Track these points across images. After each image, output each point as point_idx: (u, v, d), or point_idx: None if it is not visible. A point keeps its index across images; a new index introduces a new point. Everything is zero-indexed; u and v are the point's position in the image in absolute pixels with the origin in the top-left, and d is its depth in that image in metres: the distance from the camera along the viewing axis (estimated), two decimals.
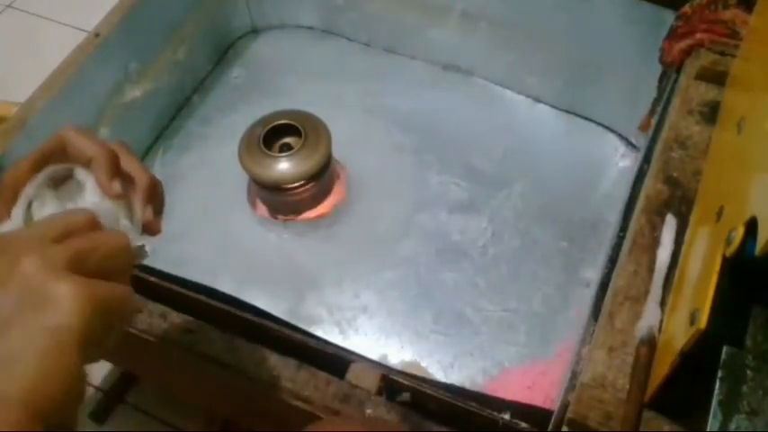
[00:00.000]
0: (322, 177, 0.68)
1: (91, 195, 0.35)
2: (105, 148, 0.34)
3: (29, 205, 0.34)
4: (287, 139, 0.69)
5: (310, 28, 0.89)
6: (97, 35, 0.65)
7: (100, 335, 0.27)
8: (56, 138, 0.35)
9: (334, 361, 0.46)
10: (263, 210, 0.72)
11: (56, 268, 0.27)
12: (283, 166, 0.66)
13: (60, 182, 0.35)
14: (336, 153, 0.70)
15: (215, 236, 0.70)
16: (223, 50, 0.86)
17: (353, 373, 0.45)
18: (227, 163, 0.70)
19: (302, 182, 0.67)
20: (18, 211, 0.34)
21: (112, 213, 0.35)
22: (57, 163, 0.35)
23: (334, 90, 0.81)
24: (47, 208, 0.34)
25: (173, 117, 0.80)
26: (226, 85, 0.84)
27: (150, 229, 0.37)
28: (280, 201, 0.70)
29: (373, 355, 0.61)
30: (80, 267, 0.28)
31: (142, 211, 0.36)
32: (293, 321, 0.49)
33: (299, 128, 0.67)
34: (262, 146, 0.67)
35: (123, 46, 0.68)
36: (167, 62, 0.76)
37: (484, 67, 0.81)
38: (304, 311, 0.65)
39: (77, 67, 0.63)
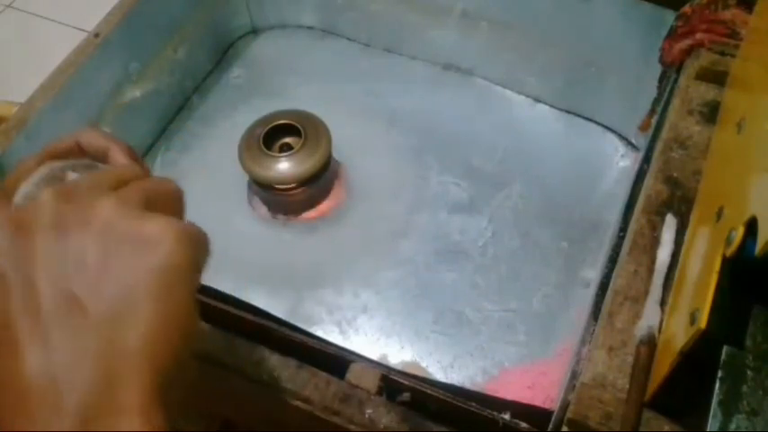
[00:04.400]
0: (322, 177, 0.68)
1: None
2: (121, 141, 0.34)
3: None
4: (287, 139, 0.69)
5: (310, 28, 0.89)
6: (97, 35, 0.65)
7: (200, 273, 0.26)
8: (70, 136, 0.34)
9: (334, 361, 0.46)
10: (263, 210, 0.72)
11: (135, 208, 0.25)
12: (283, 166, 0.66)
13: (56, 181, 0.35)
14: (336, 153, 0.70)
15: (215, 236, 0.69)
16: (223, 50, 0.86)
17: (353, 373, 0.45)
18: (227, 163, 0.70)
19: (302, 182, 0.67)
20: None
21: None
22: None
23: (334, 90, 0.81)
24: None
25: (173, 117, 0.80)
26: (226, 85, 0.84)
27: None
28: (280, 201, 0.70)
29: (373, 355, 0.61)
30: (152, 209, 0.26)
31: None
32: (293, 321, 0.49)
33: (299, 128, 0.67)
34: (262, 146, 0.67)
35: (123, 46, 0.68)
36: (167, 62, 0.76)
37: (484, 67, 0.81)
38: (304, 311, 0.65)
39: (77, 67, 0.63)
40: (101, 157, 0.34)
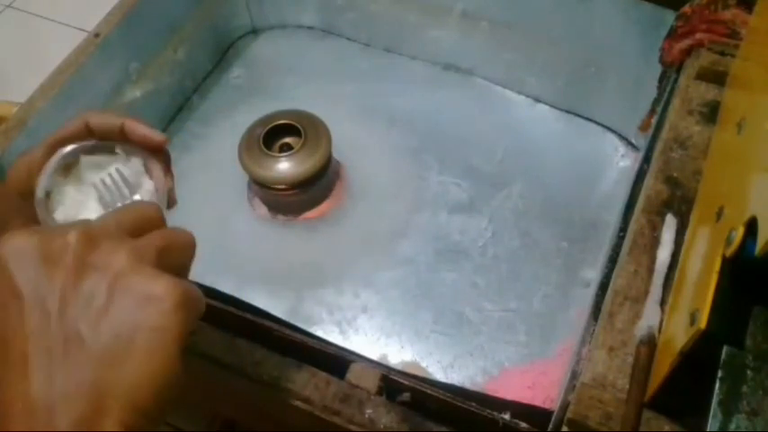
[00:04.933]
0: (322, 177, 0.68)
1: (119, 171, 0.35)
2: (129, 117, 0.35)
3: (47, 195, 0.34)
4: (287, 139, 0.69)
5: (310, 28, 0.89)
6: (97, 35, 0.65)
7: (190, 334, 0.28)
8: (78, 120, 0.35)
9: (334, 361, 0.46)
10: (263, 210, 0.72)
11: (148, 264, 0.27)
12: (283, 166, 0.66)
13: (69, 166, 0.35)
14: (336, 153, 0.70)
15: (215, 236, 0.70)
16: (223, 50, 0.86)
17: (353, 373, 0.45)
18: (227, 163, 0.70)
19: (302, 182, 0.67)
20: (41, 206, 0.34)
21: (148, 191, 0.35)
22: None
23: (334, 90, 0.81)
24: (66, 196, 0.34)
25: (173, 117, 0.80)
26: (226, 85, 0.84)
27: (171, 198, 0.37)
28: (280, 201, 0.70)
29: (373, 355, 0.61)
30: (164, 264, 0.28)
31: (165, 181, 0.36)
32: (293, 321, 0.49)
33: (299, 128, 0.67)
34: (262, 146, 0.67)
35: (123, 46, 0.68)
36: (167, 62, 0.76)
37: (484, 67, 0.81)
38: (304, 311, 0.65)
39: (77, 67, 0.63)
40: (113, 135, 0.35)
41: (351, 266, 0.68)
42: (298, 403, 0.44)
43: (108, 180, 0.35)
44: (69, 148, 0.35)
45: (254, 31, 0.89)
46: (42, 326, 0.26)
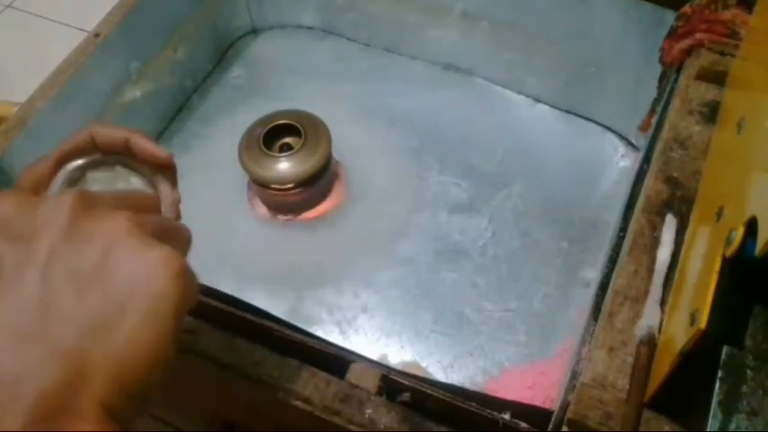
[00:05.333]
0: (322, 177, 0.68)
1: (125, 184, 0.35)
2: (135, 130, 0.34)
3: None
4: (287, 139, 0.69)
5: (310, 28, 0.89)
6: (97, 35, 0.65)
7: (185, 315, 0.26)
8: (83, 133, 0.34)
9: (334, 361, 0.46)
10: (263, 210, 0.72)
11: (145, 233, 0.25)
12: (283, 166, 0.66)
13: (74, 183, 0.35)
14: (336, 153, 0.70)
15: (215, 236, 0.70)
16: (223, 50, 0.86)
17: (353, 373, 0.45)
18: (227, 163, 0.70)
19: (302, 182, 0.67)
20: None
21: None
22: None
23: (334, 90, 0.81)
24: None
25: (173, 117, 0.80)
26: (226, 85, 0.84)
27: (177, 215, 0.37)
28: (279, 201, 0.70)
29: (373, 355, 0.61)
30: (161, 240, 0.26)
31: (172, 193, 0.36)
32: (293, 321, 0.49)
33: (299, 128, 0.67)
34: (262, 146, 0.67)
35: (123, 46, 0.68)
36: (167, 62, 0.76)
37: (484, 67, 0.81)
38: (304, 311, 0.65)
39: (77, 67, 0.63)
40: (118, 149, 0.34)
41: (351, 266, 0.68)
42: (298, 403, 0.44)
43: None
44: (75, 163, 0.34)
45: (254, 31, 0.89)
46: (18, 288, 0.23)
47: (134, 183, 0.35)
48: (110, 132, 0.34)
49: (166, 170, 0.35)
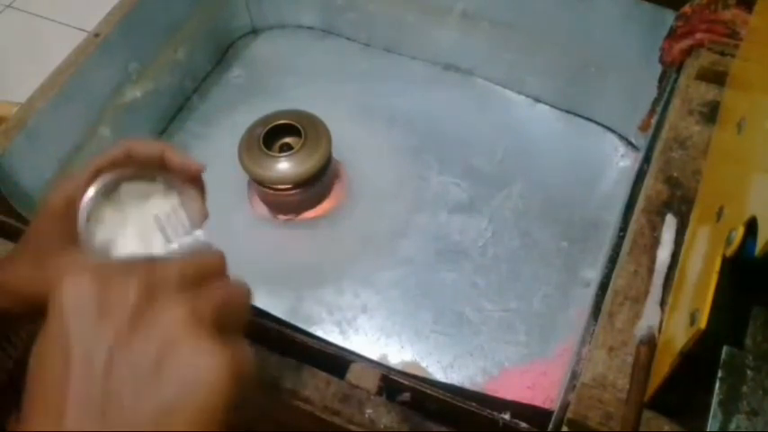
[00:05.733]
0: (322, 177, 0.68)
1: (160, 200, 0.37)
2: (167, 144, 0.36)
3: (88, 219, 0.35)
4: (287, 139, 0.69)
5: (310, 28, 0.89)
6: (97, 35, 0.65)
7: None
8: (119, 148, 0.36)
9: (334, 361, 0.46)
10: (263, 210, 0.72)
11: (202, 326, 0.26)
12: (283, 166, 0.66)
13: (109, 192, 0.36)
14: (336, 153, 0.70)
15: (215, 236, 0.69)
16: (223, 50, 0.86)
17: (353, 373, 0.45)
18: (227, 163, 0.70)
19: (302, 182, 0.67)
20: (82, 230, 0.35)
21: (182, 217, 0.36)
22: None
23: (334, 90, 0.81)
24: (107, 220, 0.36)
25: (173, 117, 0.80)
26: (226, 85, 0.84)
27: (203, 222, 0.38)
28: (279, 201, 0.70)
29: (373, 355, 0.61)
30: (221, 324, 0.27)
31: (200, 209, 0.37)
32: (293, 321, 0.49)
33: (299, 128, 0.67)
34: (262, 146, 0.67)
35: (123, 46, 0.68)
36: (167, 62, 0.76)
37: (484, 67, 0.81)
38: (304, 311, 0.65)
39: (77, 67, 0.63)
40: (154, 162, 0.36)
41: (351, 266, 0.68)
42: (298, 403, 0.44)
43: (166, 212, 0.38)
44: (110, 175, 0.35)
45: (254, 32, 0.89)
46: (85, 382, 0.25)
47: (167, 195, 0.38)
48: (146, 147, 0.36)
49: (196, 182, 0.37)
